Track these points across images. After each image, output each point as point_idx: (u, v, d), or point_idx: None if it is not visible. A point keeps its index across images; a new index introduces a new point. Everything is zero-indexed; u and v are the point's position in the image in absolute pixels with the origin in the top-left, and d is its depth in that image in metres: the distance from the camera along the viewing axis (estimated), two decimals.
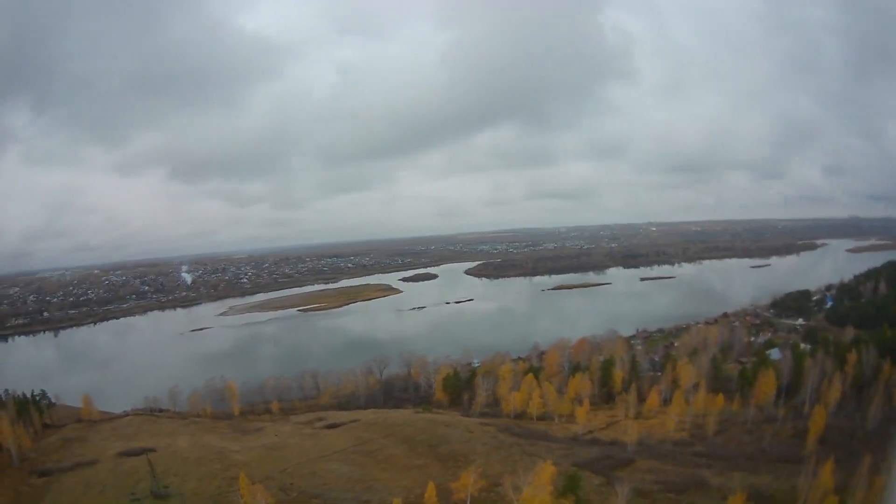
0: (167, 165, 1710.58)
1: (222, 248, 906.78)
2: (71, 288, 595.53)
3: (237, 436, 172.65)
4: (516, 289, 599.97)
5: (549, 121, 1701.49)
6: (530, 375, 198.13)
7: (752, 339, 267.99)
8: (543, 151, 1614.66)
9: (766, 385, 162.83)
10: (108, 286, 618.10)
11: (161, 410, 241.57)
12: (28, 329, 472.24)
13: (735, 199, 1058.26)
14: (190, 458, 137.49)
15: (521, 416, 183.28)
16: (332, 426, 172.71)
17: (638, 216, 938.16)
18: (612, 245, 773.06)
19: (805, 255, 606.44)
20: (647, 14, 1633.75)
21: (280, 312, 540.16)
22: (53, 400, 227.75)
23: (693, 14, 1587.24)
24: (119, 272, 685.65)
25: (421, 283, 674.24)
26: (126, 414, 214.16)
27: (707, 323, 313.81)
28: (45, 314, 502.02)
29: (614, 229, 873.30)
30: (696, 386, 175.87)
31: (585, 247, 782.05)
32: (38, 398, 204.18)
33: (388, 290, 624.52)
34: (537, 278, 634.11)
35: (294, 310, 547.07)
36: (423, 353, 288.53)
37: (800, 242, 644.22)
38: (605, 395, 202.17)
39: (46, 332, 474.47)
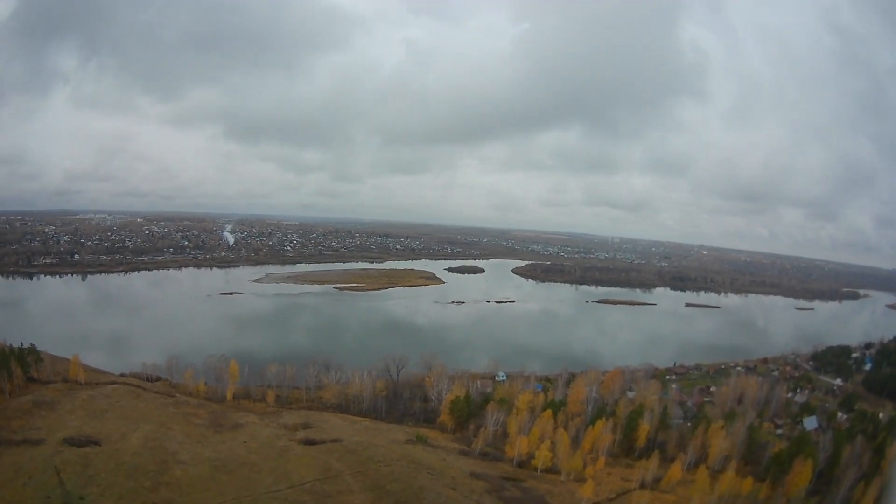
0: (222, 123, 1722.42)
1: (274, 212, 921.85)
2: (109, 233, 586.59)
3: (208, 432, 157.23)
4: (560, 296, 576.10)
5: (615, 128, 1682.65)
6: (548, 413, 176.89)
7: (790, 394, 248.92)
8: (605, 158, 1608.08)
9: (801, 476, 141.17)
10: (147, 236, 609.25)
11: (156, 379, 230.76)
12: (55, 269, 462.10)
13: (786, 235, 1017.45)
14: (126, 465, 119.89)
15: (525, 464, 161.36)
16: (310, 442, 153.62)
17: (691, 237, 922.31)
18: (663, 264, 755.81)
19: (847, 304, 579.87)
20: (724, 35, 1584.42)
21: (315, 287, 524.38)
22: (49, 351, 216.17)
23: (768, 41, 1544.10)
24: (162, 223, 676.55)
25: (466, 275, 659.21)
26: (112, 382, 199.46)
27: (747, 368, 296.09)
28: (76, 256, 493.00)
29: (667, 247, 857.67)
30: (726, 458, 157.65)
31: (636, 261, 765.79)
32: (25, 352, 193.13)
33: (431, 278, 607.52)
34: (584, 287, 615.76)
35: (330, 286, 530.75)
36: (446, 357, 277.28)
37: (844, 290, 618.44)
38: (627, 447, 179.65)
39: (74, 275, 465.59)
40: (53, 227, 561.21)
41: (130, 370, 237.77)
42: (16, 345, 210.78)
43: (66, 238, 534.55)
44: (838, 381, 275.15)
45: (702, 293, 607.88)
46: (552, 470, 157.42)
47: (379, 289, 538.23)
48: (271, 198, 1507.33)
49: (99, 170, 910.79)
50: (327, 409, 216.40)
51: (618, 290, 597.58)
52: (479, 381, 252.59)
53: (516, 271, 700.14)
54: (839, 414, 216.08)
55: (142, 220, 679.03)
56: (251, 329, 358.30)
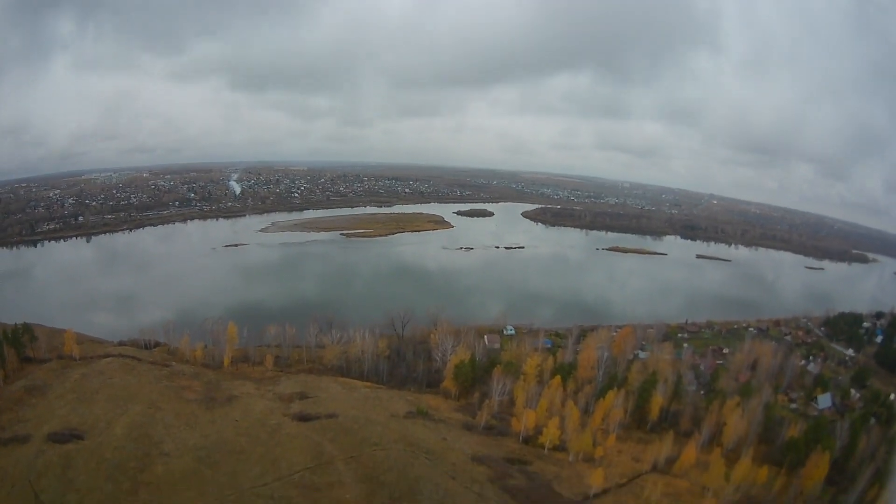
0: (226, 74, 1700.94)
1: (281, 158, 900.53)
2: (114, 191, 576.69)
3: (199, 410, 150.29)
4: (571, 241, 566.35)
5: (627, 74, 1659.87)
6: (557, 380, 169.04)
7: (804, 362, 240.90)
8: (617, 104, 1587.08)
9: (817, 469, 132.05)
10: (153, 191, 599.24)
11: (155, 345, 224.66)
12: (59, 234, 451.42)
13: (796, 189, 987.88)
14: (107, 464, 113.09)
15: (531, 439, 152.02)
16: (304, 418, 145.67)
17: (701, 185, 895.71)
18: (673, 211, 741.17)
19: (856, 267, 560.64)
20: None
21: (322, 235, 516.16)
22: (47, 324, 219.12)
23: None
24: (168, 176, 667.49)
25: (475, 219, 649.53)
26: (108, 355, 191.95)
27: (759, 329, 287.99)
28: (80, 219, 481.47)
29: (676, 194, 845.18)
30: (740, 442, 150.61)
31: (646, 208, 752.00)
32: (19, 332, 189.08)
33: (440, 223, 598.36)
34: (594, 233, 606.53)
35: (338, 233, 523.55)
36: (453, 308, 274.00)
37: (853, 251, 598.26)
38: (639, 418, 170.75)
39: (79, 238, 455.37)
40: (58, 191, 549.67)
41: (129, 336, 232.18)
42: (15, 321, 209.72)
43: (70, 201, 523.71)
44: (850, 352, 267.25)
45: (712, 244, 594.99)
46: (560, 447, 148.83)
47: (387, 234, 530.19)
48: (279, 145, 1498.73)
49: (104, 129, 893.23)
50: (327, 372, 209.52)
51: (628, 236, 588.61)
52: (486, 336, 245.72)
53: (526, 215, 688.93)
54: (852, 391, 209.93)
55: (148, 174, 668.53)
56: (254, 283, 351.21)
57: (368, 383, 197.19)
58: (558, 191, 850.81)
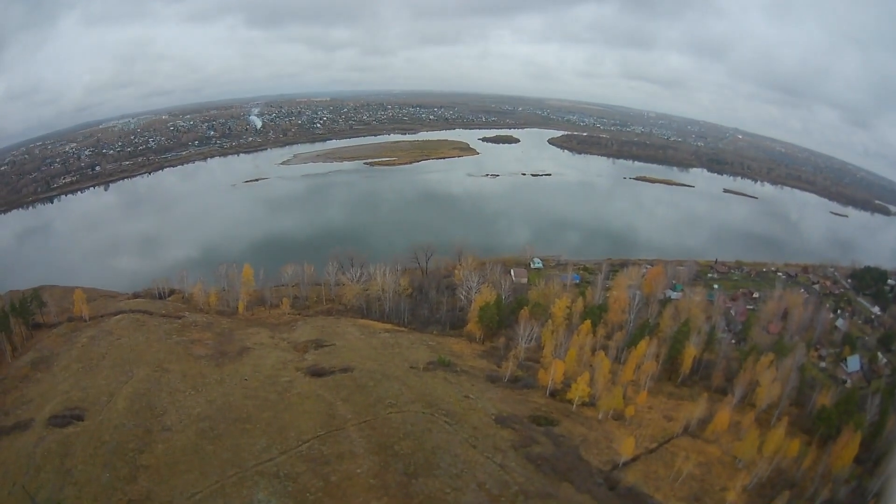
0: (242, 13, 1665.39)
1: (304, 90, 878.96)
2: (132, 137, 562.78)
3: (207, 369, 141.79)
4: (597, 169, 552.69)
5: (653, 5, 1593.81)
6: (586, 325, 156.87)
7: (832, 315, 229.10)
8: (643, 35, 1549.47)
9: (848, 448, 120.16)
10: (171, 132, 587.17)
11: (169, 293, 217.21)
12: (76, 186, 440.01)
13: (819, 132, 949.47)
14: (106, 447, 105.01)
15: (559, 393, 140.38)
16: (317, 373, 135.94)
17: (726, 119, 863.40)
18: (699, 143, 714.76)
19: (878, 218, 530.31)
20: None
21: (345, 164, 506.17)
22: (60, 283, 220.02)
23: None
24: (188, 116, 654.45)
25: (501, 145, 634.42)
26: (119, 312, 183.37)
27: (787, 275, 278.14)
28: (97, 168, 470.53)
29: (702, 126, 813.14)
30: (772, 404, 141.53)
31: (672, 138, 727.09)
32: (26, 300, 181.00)
33: (465, 149, 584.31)
34: (620, 161, 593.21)
35: (361, 162, 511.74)
36: (479, 237, 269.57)
37: (876, 202, 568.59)
38: (670, 370, 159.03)
39: (96, 187, 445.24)
40: (74, 144, 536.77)
41: (145, 286, 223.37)
42: (29, 285, 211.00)
43: (86, 152, 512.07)
44: (876, 310, 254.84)
45: (738, 179, 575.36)
46: (589, 402, 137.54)
47: (411, 162, 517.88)
48: (300, 77, 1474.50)
49: (120, 77, 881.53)
50: (347, 313, 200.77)
51: (654, 166, 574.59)
52: (512, 270, 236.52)
53: (552, 142, 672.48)
54: (879, 355, 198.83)
55: (167, 116, 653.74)
56: (274, 219, 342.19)
57: (389, 325, 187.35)
58: (584, 118, 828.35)
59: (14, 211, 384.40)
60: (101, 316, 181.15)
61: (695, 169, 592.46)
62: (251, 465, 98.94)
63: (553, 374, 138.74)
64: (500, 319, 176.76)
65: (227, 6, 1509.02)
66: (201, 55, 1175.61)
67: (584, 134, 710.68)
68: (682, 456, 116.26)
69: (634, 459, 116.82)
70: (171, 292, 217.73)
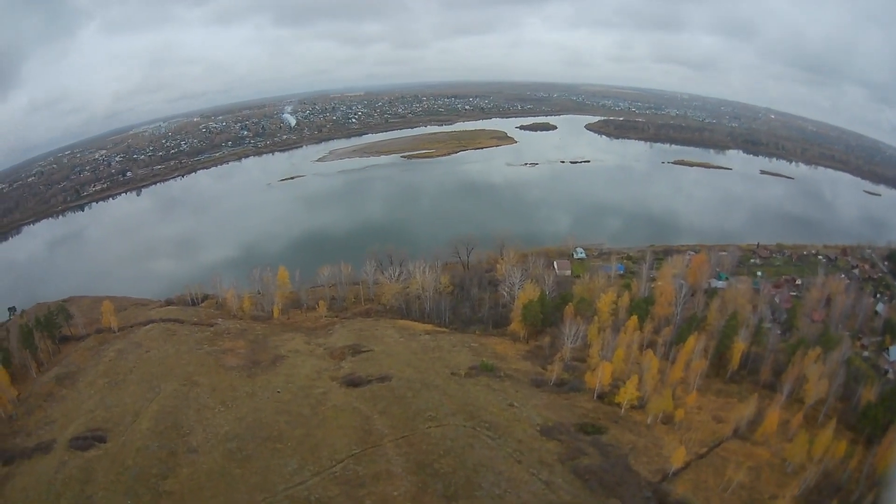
0: (269, 12, 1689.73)
1: (337, 86, 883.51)
2: (163, 141, 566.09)
3: (239, 381, 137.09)
4: (636, 154, 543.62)
5: None
6: (633, 321, 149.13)
7: (872, 299, 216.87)
8: (672, 17, 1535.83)
9: (891, 450, 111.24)
10: (204, 134, 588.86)
11: (203, 299, 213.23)
12: (107, 193, 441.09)
13: (848, 111, 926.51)
14: (129, 472, 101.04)
15: (607, 395, 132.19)
16: (354, 383, 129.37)
17: (757, 99, 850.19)
18: (733, 124, 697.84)
19: None
20: None
21: (382, 158, 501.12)
22: (90, 294, 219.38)
23: None
24: (220, 117, 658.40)
25: (538, 133, 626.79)
26: (149, 321, 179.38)
27: (827, 258, 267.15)
28: (129, 174, 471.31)
29: (734, 107, 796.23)
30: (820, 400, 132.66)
31: (707, 120, 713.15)
32: (53, 314, 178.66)
33: (502, 138, 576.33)
34: (658, 145, 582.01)
35: (398, 155, 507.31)
36: (520, 228, 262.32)
37: None
38: (718, 365, 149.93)
39: (128, 193, 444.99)
40: (104, 151, 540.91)
41: (178, 292, 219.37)
42: (59, 296, 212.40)
43: (117, 159, 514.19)
44: None
45: (773, 159, 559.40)
46: (638, 405, 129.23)
47: (448, 153, 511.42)
48: (333, 73, 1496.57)
49: (148, 82, 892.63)
50: (386, 314, 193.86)
51: (691, 149, 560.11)
52: (555, 262, 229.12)
53: (589, 127, 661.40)
54: None
55: (198, 118, 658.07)
56: (309, 218, 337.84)
57: (430, 326, 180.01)
58: (619, 102, 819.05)
59: (44, 221, 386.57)
60: (131, 326, 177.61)
61: (731, 151, 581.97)
62: (281, 490, 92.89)
63: (600, 376, 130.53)
64: (545, 317, 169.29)
65: (252, 6, 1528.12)
66: (230, 56, 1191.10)
67: (621, 118, 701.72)
68: (732, 461, 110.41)
69: (685, 467, 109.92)
70: (205, 298, 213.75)
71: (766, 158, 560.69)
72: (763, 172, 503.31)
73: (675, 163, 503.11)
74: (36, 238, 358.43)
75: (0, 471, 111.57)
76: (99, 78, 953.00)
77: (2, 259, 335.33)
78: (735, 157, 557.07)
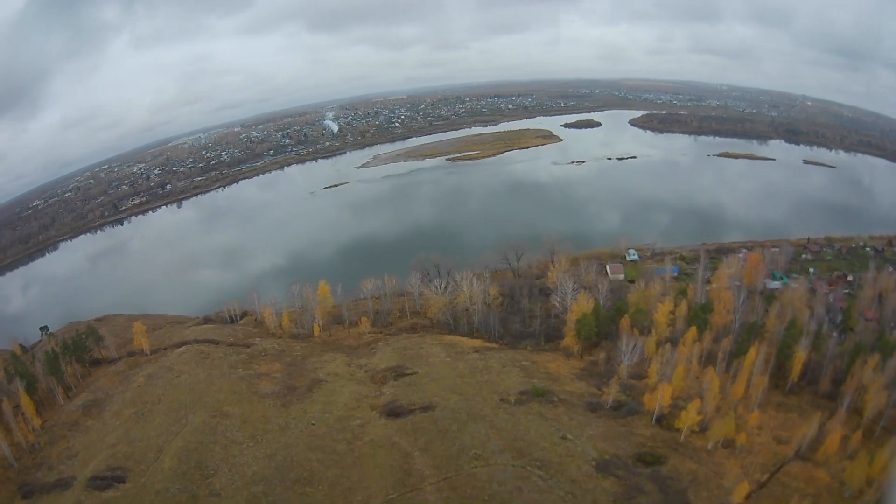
0: (302, 19, 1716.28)
1: (379, 90, 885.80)
2: (203, 152, 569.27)
3: (272, 410, 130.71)
4: (681, 147, 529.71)
5: None
6: (692, 333, 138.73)
7: None
8: (708, 6, 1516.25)
9: None
10: (245, 144, 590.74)
11: (242, 315, 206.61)
12: (146, 206, 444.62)
13: (882, 96, 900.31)
14: None
15: (666, 418, 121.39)
16: (395, 413, 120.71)
17: (792, 87, 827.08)
18: (773, 114, 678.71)
19: None
20: None
21: (427, 162, 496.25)
22: (125, 312, 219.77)
23: None
24: (261, 126, 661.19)
25: (584, 130, 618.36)
26: (183, 343, 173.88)
27: (875, 250, 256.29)
28: (168, 187, 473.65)
29: (772, 96, 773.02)
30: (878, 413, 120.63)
31: (747, 110, 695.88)
32: (82, 337, 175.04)
33: (548, 136, 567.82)
34: (702, 138, 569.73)
35: (443, 158, 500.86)
36: (570, 229, 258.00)
37: None
38: (777, 375, 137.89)
39: (168, 206, 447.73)
40: (143, 165, 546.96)
41: (214, 309, 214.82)
42: (93, 315, 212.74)
43: (156, 171, 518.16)
44: None
45: (814, 148, 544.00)
46: (700, 428, 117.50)
47: (495, 154, 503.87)
48: (373, 78, 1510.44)
49: (184, 95, 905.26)
50: (433, 329, 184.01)
51: (734, 140, 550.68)
52: (608, 266, 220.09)
53: (633, 122, 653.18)
54: None
55: (239, 128, 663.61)
56: (353, 227, 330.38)
57: (478, 342, 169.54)
58: (660, 95, 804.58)
59: (81, 236, 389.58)
60: (164, 349, 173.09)
61: (773, 140, 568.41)
62: None
63: (660, 399, 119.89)
64: (600, 330, 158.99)
65: (283, 15, 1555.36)
66: (268, 65, 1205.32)
67: (664, 112, 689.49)
68: (793, 489, 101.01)
69: (747, 497, 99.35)
70: (244, 314, 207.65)
71: (808, 147, 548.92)
72: (806, 162, 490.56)
73: (720, 155, 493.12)
74: (73, 254, 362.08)
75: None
76: (132, 92, 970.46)
77: (38, 276, 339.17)
78: (777, 147, 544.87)
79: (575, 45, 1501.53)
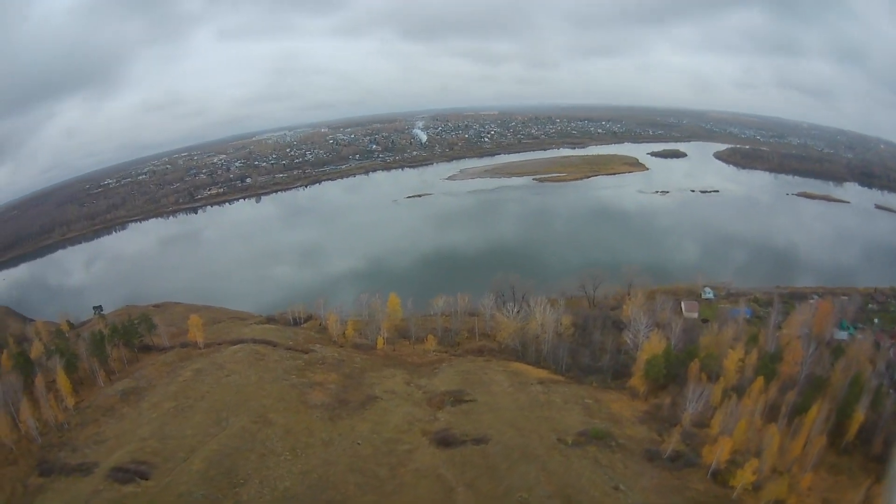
0: (396, 25, 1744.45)
1: (471, 104, 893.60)
2: (288, 150, 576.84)
3: (318, 423, 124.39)
4: (761, 185, 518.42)
5: (794, 6, 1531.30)
6: (758, 385, 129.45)
7: None
8: (789, 41, 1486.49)
9: None
10: (331, 146, 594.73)
11: (307, 319, 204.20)
12: (223, 198, 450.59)
13: None
14: None
15: (722, 473, 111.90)
16: (446, 442, 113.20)
17: (868, 128, 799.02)
18: (849, 155, 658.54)
19: None
20: None
21: (514, 180, 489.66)
22: (185, 301, 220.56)
23: None
24: (349, 129, 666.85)
25: (669, 160, 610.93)
26: (239, 341, 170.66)
27: None
28: (248, 180, 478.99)
29: (849, 136, 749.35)
30: None
31: (825, 150, 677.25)
32: (134, 324, 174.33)
33: (634, 164, 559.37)
34: (782, 176, 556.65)
35: (530, 178, 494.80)
36: (649, 260, 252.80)
37: None
38: (834, 432, 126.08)
39: (246, 199, 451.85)
40: (224, 156, 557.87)
41: (279, 310, 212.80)
42: (153, 299, 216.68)
43: (237, 164, 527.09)
44: None
45: (885, 192, 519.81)
46: (755, 486, 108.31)
47: (581, 178, 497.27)
48: (466, 91, 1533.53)
49: (272, 90, 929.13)
50: (500, 354, 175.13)
51: (812, 181, 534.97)
52: (683, 303, 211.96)
53: (718, 155, 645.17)
54: None
55: (326, 129, 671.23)
56: (432, 240, 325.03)
57: (544, 373, 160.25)
58: (744, 130, 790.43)
59: (152, 220, 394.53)
60: (219, 344, 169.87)
61: (847, 183, 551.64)
62: None
63: (719, 453, 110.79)
64: (668, 372, 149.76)
65: (377, 20, 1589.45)
66: (360, 69, 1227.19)
67: (747, 147, 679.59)
68: None
69: None
70: (308, 318, 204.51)
71: (880, 191, 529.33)
72: (878, 207, 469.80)
73: (798, 195, 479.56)
74: (142, 236, 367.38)
75: (35, 481, 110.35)
76: (216, 83, 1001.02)
77: (102, 254, 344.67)
78: (851, 190, 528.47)
79: (664, 73, 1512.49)
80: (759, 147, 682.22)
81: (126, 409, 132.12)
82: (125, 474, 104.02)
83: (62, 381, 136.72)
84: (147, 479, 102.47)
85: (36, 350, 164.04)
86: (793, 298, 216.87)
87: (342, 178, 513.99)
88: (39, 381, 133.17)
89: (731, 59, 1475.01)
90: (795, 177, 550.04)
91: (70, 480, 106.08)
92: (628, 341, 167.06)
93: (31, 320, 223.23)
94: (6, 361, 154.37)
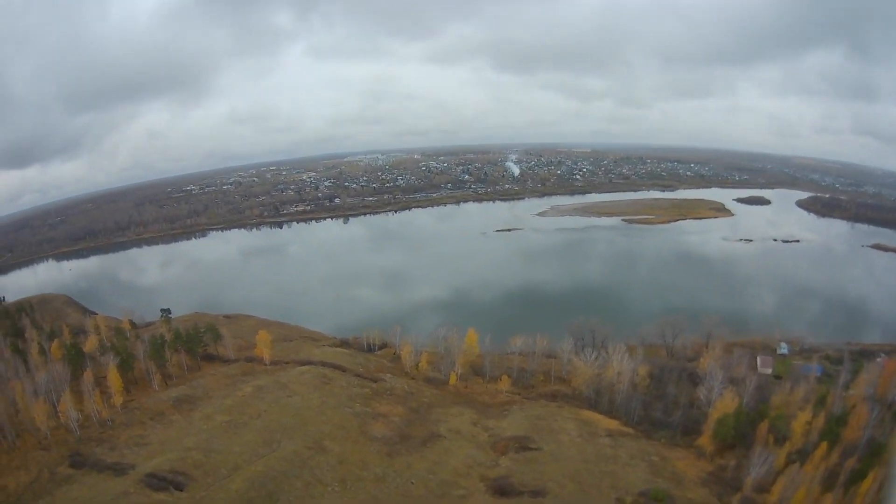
0: (488, 56, 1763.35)
1: (562, 140, 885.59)
2: (379, 173, 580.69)
3: (375, 457, 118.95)
4: (838, 234, 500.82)
5: (870, 48, 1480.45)
6: (821, 450, 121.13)
7: None
8: (866, 84, 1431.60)
9: None
10: (423, 173, 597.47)
11: (381, 346, 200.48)
12: (309, 215, 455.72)
13: None
14: None
15: None
16: (503, 492, 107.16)
17: None
18: None
19: None
20: None
21: (603, 220, 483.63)
22: (259, 315, 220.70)
23: None
24: (442, 158, 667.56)
25: (754, 206, 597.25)
26: (307, 362, 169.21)
27: None
28: (336, 200, 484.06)
29: None
30: None
31: None
32: (199, 333, 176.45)
33: (720, 210, 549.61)
34: (858, 225, 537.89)
35: (619, 219, 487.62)
36: (727, 310, 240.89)
37: None
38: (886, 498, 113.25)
39: (334, 219, 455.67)
40: (313, 174, 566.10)
41: (353, 334, 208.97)
42: (226, 309, 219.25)
43: (327, 183, 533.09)
44: None
45: None
46: None
47: (668, 221, 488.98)
48: (559, 126, 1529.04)
49: (366, 113, 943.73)
50: (573, 400, 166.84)
51: (886, 231, 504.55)
52: (759, 358, 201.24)
53: (800, 203, 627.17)
54: None
55: (419, 156, 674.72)
56: (518, 275, 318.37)
57: (614, 424, 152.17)
58: (825, 177, 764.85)
59: (234, 230, 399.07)
60: (286, 363, 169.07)
61: None
62: None
63: None
64: (737, 432, 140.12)
65: (470, 49, 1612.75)
66: (453, 97, 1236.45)
67: (827, 195, 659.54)
68: None
69: None
70: (383, 345, 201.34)
71: None
72: None
73: (872, 246, 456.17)
74: (223, 245, 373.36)
75: (64, 470, 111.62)
76: (307, 100, 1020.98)
77: (179, 258, 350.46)
78: None
79: (749, 115, 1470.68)
80: (838, 195, 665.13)
81: (176, 417, 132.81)
82: (160, 482, 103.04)
83: (113, 379, 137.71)
84: (181, 490, 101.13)
85: (91, 344, 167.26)
86: (862, 356, 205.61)
87: (433, 206, 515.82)
88: (88, 375, 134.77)
89: (811, 102, 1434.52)
90: (870, 226, 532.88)
91: (101, 477, 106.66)
92: (702, 397, 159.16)
93: (93, 313, 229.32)
94: (56, 350, 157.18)
